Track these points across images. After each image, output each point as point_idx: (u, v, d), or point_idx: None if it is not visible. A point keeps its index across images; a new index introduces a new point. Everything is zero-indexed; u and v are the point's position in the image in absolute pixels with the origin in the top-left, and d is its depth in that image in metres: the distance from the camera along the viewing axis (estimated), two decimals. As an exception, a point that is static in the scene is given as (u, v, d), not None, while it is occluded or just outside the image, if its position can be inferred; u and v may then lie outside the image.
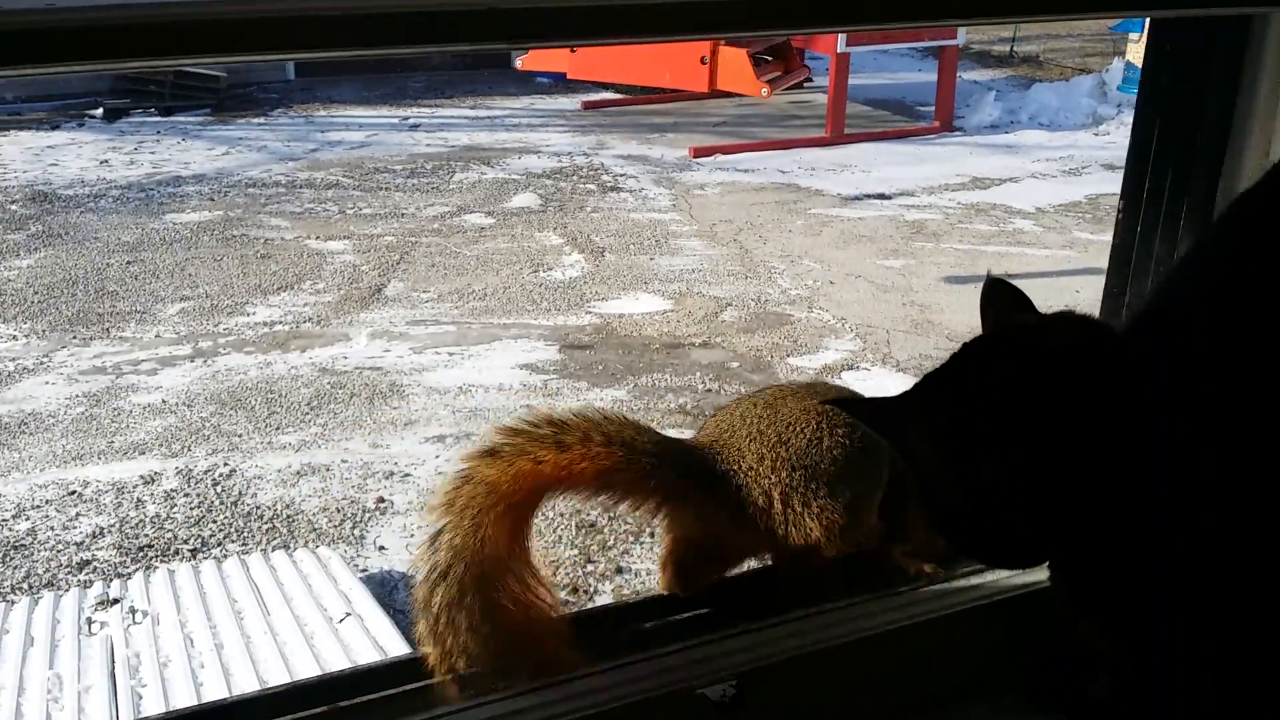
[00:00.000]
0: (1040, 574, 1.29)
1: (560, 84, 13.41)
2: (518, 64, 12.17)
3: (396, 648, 3.41)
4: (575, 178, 10.33)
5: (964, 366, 0.99)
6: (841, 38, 11.05)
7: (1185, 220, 1.39)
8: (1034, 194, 9.80)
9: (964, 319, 6.96)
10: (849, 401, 1.02)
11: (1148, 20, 1.43)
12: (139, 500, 4.94)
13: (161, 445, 5.42)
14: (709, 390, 5.99)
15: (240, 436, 5.51)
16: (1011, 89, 13.79)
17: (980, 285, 1.07)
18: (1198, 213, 1.38)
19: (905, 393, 0.99)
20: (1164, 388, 0.90)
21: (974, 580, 1.31)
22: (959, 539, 1.02)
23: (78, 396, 5.92)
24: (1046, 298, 1.11)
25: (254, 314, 7.08)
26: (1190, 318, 0.95)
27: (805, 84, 14.00)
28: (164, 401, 5.88)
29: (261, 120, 12.48)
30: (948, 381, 0.98)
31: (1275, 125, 1.32)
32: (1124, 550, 0.91)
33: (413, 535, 4.67)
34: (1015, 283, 1.07)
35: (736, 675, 1.17)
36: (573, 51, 11.11)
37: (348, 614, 3.62)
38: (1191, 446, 0.88)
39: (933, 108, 12.36)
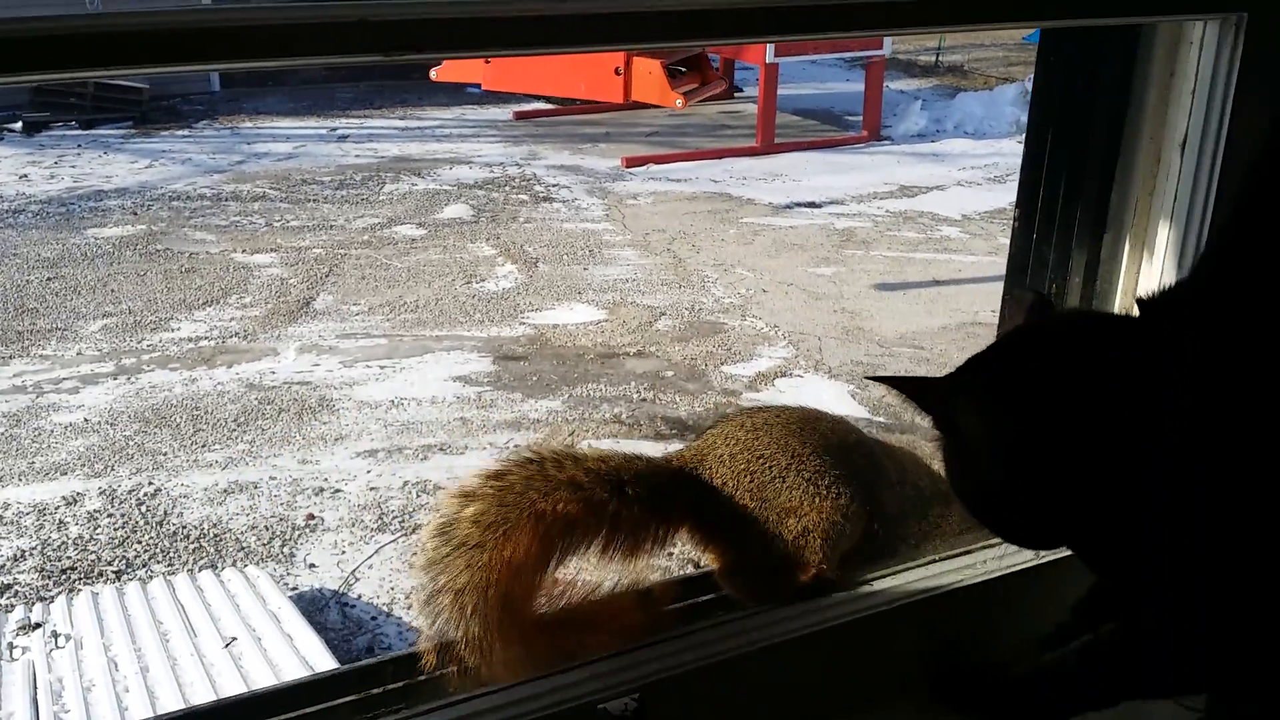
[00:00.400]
0: (946, 578, 1.32)
1: (492, 94, 13.36)
2: (432, 75, 12.09)
3: (325, 665, 3.37)
4: (507, 188, 10.30)
5: (1005, 349, 1.09)
6: (770, 48, 11.15)
7: (1079, 227, 1.42)
8: (960, 201, 9.97)
9: (894, 325, 7.06)
10: (893, 379, 1.08)
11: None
12: (61, 522, 4.81)
13: (84, 465, 5.29)
14: (644, 400, 6.00)
15: (165, 455, 5.39)
16: (937, 98, 14.02)
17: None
18: (1091, 219, 1.41)
19: (950, 374, 1.08)
20: (1165, 372, 0.98)
21: (877, 586, 1.32)
22: (987, 513, 1.10)
23: (-5, 417, 5.77)
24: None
25: (179, 329, 6.94)
26: (1188, 307, 1.04)
27: (736, 94, 14.12)
28: (86, 420, 5.74)
29: (186, 133, 12.27)
30: (991, 362, 1.08)
31: (1164, 132, 1.36)
32: (1135, 523, 0.99)
33: (344, 552, 4.61)
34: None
35: (639, 689, 1.16)
36: (487, 62, 11.08)
37: (233, 639, 3.56)
38: (1188, 423, 0.96)
39: (861, 117, 12.52)
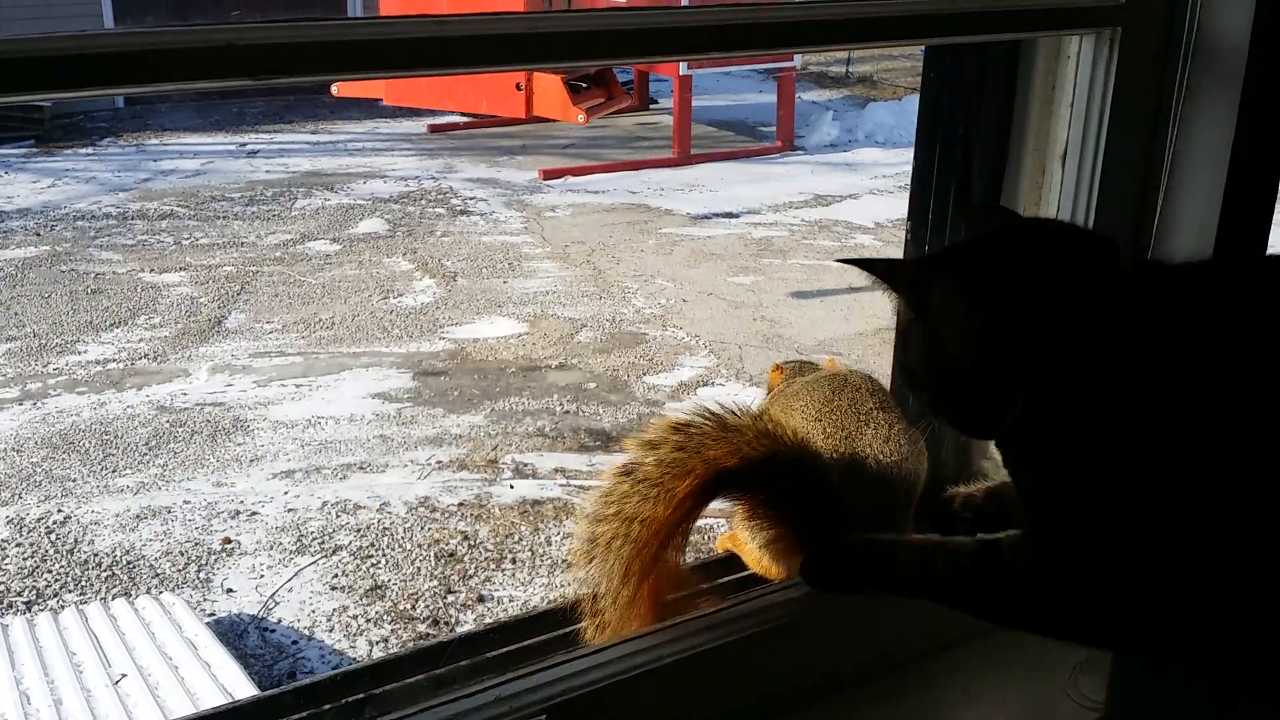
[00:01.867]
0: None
1: (406, 107, 13.23)
2: (333, 90, 11.93)
3: (245, 693, 3.31)
4: (424, 202, 10.23)
5: (985, 241, 1.13)
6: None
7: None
8: (873, 209, 10.15)
9: (812, 332, 7.16)
10: (864, 260, 1.11)
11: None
12: (-36, 554, 4.66)
13: (-12, 494, 5.13)
14: (567, 412, 6.00)
15: (74, 481, 5.25)
16: (848, 108, 14.25)
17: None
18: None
19: (924, 257, 1.18)
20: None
21: (794, 594, 1.33)
22: (942, 397, 1.12)
23: (-108, 447, 5.56)
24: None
25: (86, 352, 6.77)
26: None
27: (652, 106, 14.19)
28: (-11, 448, 5.57)
29: (90, 151, 11.96)
30: (970, 250, 1.12)
31: (1047, 144, 1.41)
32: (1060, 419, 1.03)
33: (262, 576, 4.53)
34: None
35: (547, 709, 1.16)
36: None
37: (124, 675, 3.49)
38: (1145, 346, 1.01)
39: (774, 128, 12.68)
